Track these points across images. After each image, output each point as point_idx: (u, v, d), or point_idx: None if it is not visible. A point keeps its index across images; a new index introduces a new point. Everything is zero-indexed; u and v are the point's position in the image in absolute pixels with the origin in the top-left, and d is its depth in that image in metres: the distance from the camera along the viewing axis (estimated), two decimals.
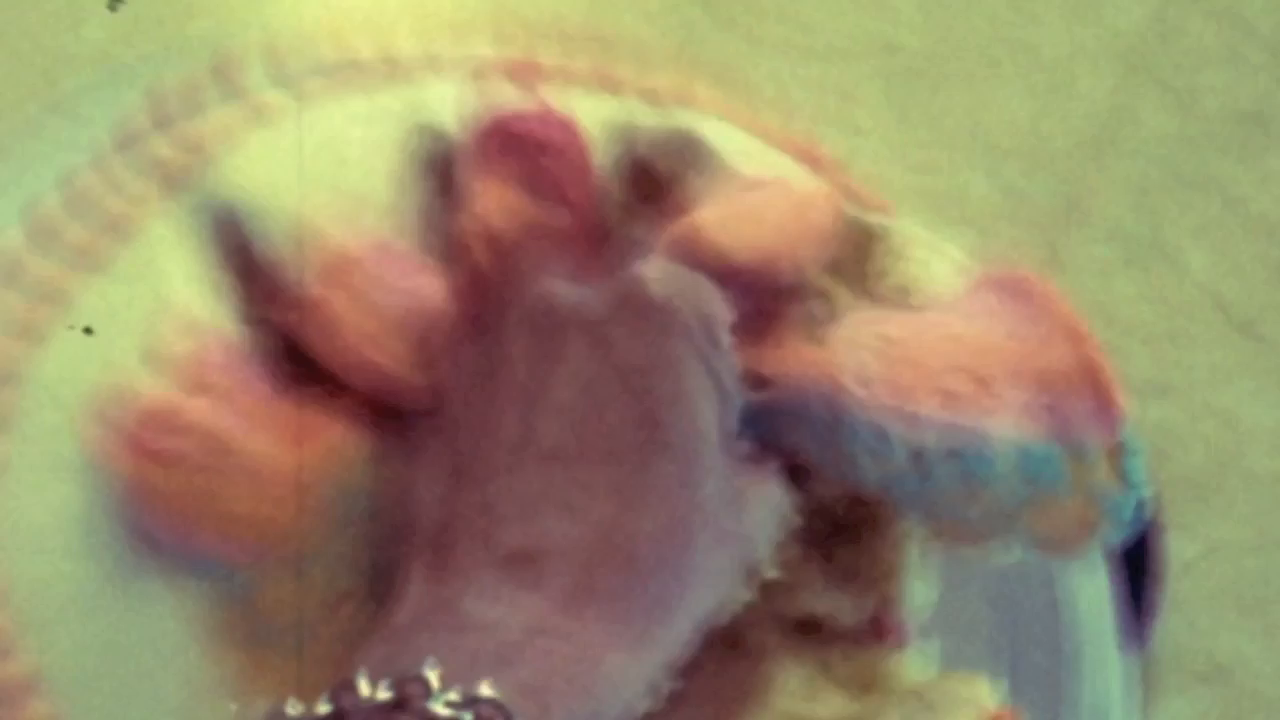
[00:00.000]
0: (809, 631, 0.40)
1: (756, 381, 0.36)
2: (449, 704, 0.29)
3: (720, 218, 0.36)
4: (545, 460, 0.34)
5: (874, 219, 0.41)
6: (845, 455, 0.36)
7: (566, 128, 0.38)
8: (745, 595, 0.35)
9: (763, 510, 0.36)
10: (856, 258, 0.39)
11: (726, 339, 0.35)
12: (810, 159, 0.45)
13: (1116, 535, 0.35)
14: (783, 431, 0.36)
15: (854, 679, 0.39)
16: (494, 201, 0.37)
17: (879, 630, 0.40)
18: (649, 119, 0.43)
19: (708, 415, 0.34)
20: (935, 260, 0.39)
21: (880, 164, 0.66)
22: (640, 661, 0.33)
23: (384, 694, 0.30)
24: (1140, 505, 0.35)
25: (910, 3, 0.70)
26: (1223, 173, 0.67)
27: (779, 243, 0.36)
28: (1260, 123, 0.68)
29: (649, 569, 0.33)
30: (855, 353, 0.36)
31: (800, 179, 0.43)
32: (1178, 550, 0.57)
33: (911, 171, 0.66)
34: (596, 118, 0.41)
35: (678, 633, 0.34)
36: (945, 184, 0.66)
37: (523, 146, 0.38)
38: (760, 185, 0.39)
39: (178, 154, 0.39)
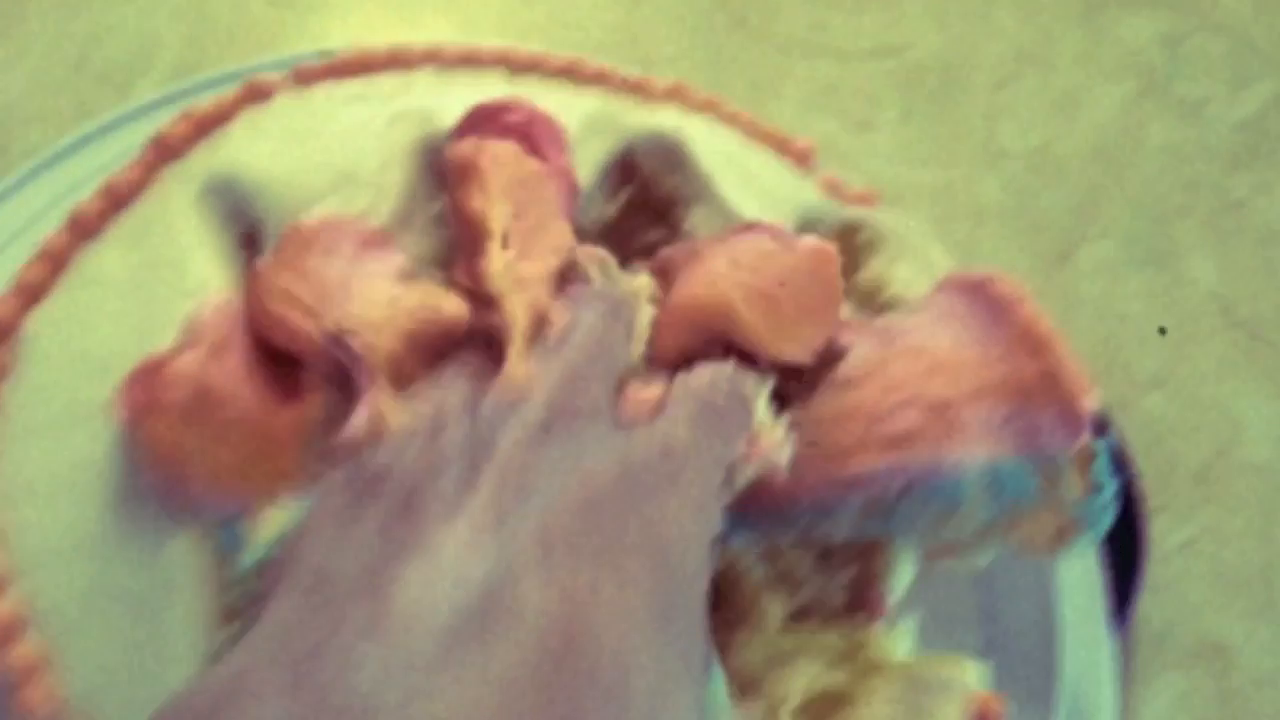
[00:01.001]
0: (796, 616, 0.36)
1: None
2: None
3: (743, 294, 0.32)
4: (530, 538, 0.25)
5: (853, 213, 0.38)
6: (808, 530, 0.33)
7: (541, 116, 0.35)
8: None
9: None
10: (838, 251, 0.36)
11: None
12: (794, 153, 0.42)
13: (1090, 537, 0.32)
14: (755, 538, 0.33)
15: (833, 649, 0.36)
16: (494, 144, 0.34)
17: (860, 602, 0.37)
18: (634, 115, 0.40)
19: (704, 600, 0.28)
20: (909, 257, 0.36)
21: (893, 161, 0.64)
22: None
23: None
24: (1109, 506, 0.31)
25: (926, 13, 0.68)
26: (1225, 180, 0.65)
27: (798, 323, 0.32)
28: (1261, 133, 0.67)
29: (612, 681, 0.24)
30: (776, 448, 0.32)
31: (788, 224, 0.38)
32: (1175, 533, 0.56)
33: (923, 168, 0.64)
34: (582, 111, 0.38)
35: None
36: (957, 183, 0.64)
37: (503, 121, 0.35)
38: (751, 233, 0.35)
39: (181, 129, 0.37)
